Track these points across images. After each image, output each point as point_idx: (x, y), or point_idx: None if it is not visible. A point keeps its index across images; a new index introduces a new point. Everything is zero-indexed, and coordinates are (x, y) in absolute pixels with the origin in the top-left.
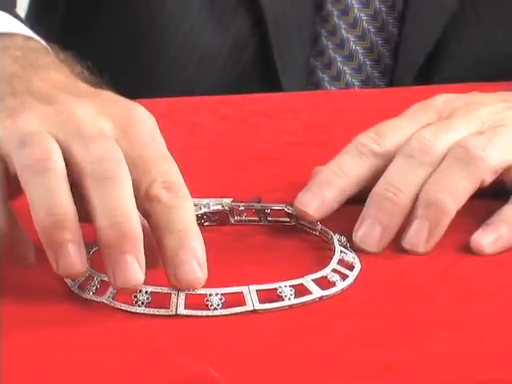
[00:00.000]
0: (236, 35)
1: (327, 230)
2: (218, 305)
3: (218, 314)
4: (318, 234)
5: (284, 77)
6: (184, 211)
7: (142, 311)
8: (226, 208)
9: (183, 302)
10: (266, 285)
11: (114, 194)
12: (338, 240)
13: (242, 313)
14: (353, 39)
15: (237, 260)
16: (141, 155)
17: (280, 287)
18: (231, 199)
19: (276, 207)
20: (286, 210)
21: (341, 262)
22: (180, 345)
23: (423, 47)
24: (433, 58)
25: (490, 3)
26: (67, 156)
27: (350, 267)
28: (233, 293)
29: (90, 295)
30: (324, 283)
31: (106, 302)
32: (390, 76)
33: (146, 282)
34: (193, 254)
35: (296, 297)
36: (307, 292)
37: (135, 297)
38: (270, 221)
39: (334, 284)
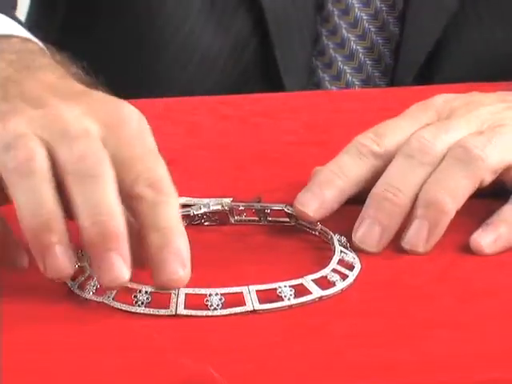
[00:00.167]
0: (237, 35)
1: (327, 230)
2: (217, 305)
3: (218, 314)
4: (317, 234)
5: (286, 76)
6: (168, 208)
7: (141, 311)
8: (226, 208)
9: (183, 302)
10: (266, 285)
11: (97, 192)
12: (338, 240)
13: (241, 313)
14: (353, 39)
15: (237, 260)
16: (127, 153)
17: (280, 287)
18: (231, 199)
19: (276, 207)
20: (285, 210)
21: (341, 262)
22: (180, 345)
23: (424, 47)
24: (433, 58)
25: (490, 3)
26: (52, 157)
27: (350, 267)
28: (232, 293)
29: (89, 295)
30: (324, 283)
31: (106, 302)
32: (390, 76)
33: (141, 281)
34: (176, 253)
35: (296, 297)
36: (307, 292)
37: (135, 297)
38: (270, 221)
39: (333, 284)
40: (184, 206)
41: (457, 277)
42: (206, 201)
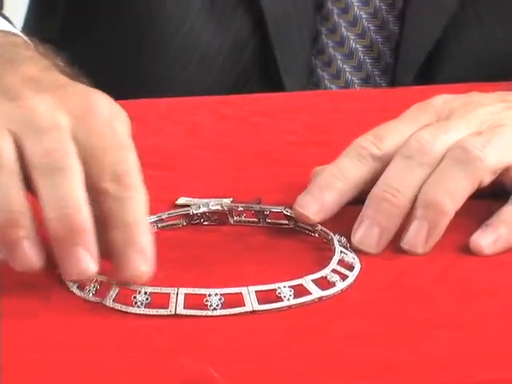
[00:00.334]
0: (236, 35)
1: (327, 230)
2: (217, 305)
3: (218, 314)
4: (317, 235)
5: (285, 76)
6: (133, 203)
7: (141, 312)
8: (226, 208)
9: (182, 302)
10: (265, 285)
11: (63, 186)
12: (338, 240)
13: (241, 313)
14: (353, 37)
15: (236, 260)
16: (95, 146)
17: (279, 288)
18: (231, 199)
19: (275, 209)
20: (284, 212)
21: (341, 262)
22: (180, 345)
23: (423, 46)
24: (433, 58)
25: (490, 3)
26: (20, 150)
27: (350, 267)
28: (232, 293)
29: (90, 296)
30: (324, 283)
31: (106, 303)
32: (390, 75)
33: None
34: (138, 249)
35: (295, 297)
36: (307, 292)
37: (134, 297)
38: (269, 223)
39: (333, 284)
40: (184, 205)
41: (456, 277)
42: (205, 201)
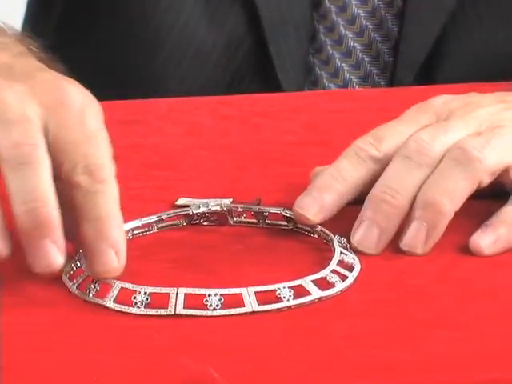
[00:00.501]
0: (231, 32)
1: (327, 231)
2: (217, 305)
3: (217, 314)
4: (316, 236)
5: (282, 74)
6: (104, 197)
7: (141, 312)
8: (225, 209)
9: (182, 302)
10: (265, 286)
11: (31, 179)
12: (338, 241)
13: (240, 314)
14: (351, 36)
15: (236, 261)
16: (66, 138)
17: (279, 288)
18: (231, 200)
19: (274, 211)
20: (283, 213)
21: (340, 262)
22: (180, 345)
23: (423, 46)
24: (433, 58)
25: (490, 3)
26: None
27: (350, 268)
28: (232, 294)
29: (90, 297)
30: (323, 284)
31: (106, 303)
32: (389, 73)
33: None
34: (110, 244)
35: (295, 298)
36: (306, 293)
37: (134, 298)
38: (268, 224)
39: (333, 285)
40: (184, 206)
41: (456, 277)
42: (205, 201)
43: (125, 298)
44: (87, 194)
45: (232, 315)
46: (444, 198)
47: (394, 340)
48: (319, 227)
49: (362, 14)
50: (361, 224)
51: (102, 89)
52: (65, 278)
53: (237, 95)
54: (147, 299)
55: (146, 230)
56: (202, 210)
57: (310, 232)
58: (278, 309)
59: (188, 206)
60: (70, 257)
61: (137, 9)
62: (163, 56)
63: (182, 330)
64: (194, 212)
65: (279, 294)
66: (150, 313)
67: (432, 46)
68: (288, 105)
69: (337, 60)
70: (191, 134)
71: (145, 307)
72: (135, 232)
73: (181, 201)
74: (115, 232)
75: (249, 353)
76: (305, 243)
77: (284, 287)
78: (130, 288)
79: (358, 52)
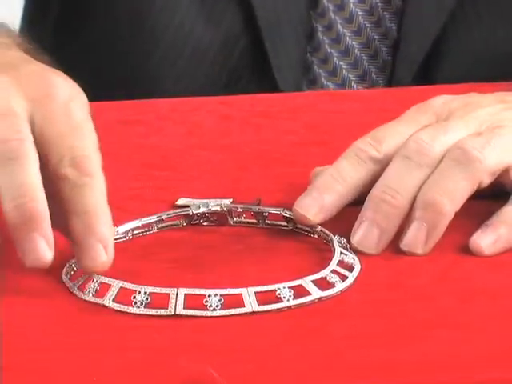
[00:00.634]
0: (227, 31)
1: (327, 231)
2: (216, 305)
3: (217, 314)
4: (316, 236)
5: (279, 73)
6: (91, 190)
7: (141, 312)
8: (225, 209)
9: (182, 302)
10: (265, 286)
11: (19, 175)
12: (338, 241)
13: (240, 314)
14: (349, 34)
15: (236, 261)
16: (52, 132)
17: (279, 288)
18: (231, 200)
19: (273, 211)
20: (283, 214)
21: (340, 263)
22: (179, 345)
23: (422, 45)
24: (432, 57)
25: (489, 2)
26: None
27: (350, 268)
28: (232, 294)
29: (89, 297)
30: (323, 284)
31: (106, 303)
32: (388, 72)
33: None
34: (98, 238)
35: (295, 298)
36: (306, 293)
37: (134, 297)
38: (268, 224)
39: (333, 285)
40: (184, 206)
41: (456, 277)
42: (205, 201)
43: (124, 297)
44: (74, 187)
45: (232, 315)
46: (444, 199)
47: (394, 340)
48: (319, 227)
49: (360, 13)
50: (361, 224)
51: (98, 89)
52: (65, 279)
53: (237, 95)
54: (147, 299)
55: (146, 230)
56: (202, 210)
57: (309, 232)
58: (278, 309)
59: (188, 206)
60: (70, 258)
61: (131, 9)
62: (159, 56)
63: (181, 330)
64: (194, 212)
65: (279, 294)
66: (150, 313)
67: (431, 45)
68: (288, 105)
69: (335, 59)
70: (192, 134)
71: (145, 307)
72: (135, 232)
73: (181, 201)
74: (103, 226)
75: (249, 353)
76: (305, 243)
77: (284, 287)
78: (130, 288)
79: (355, 51)
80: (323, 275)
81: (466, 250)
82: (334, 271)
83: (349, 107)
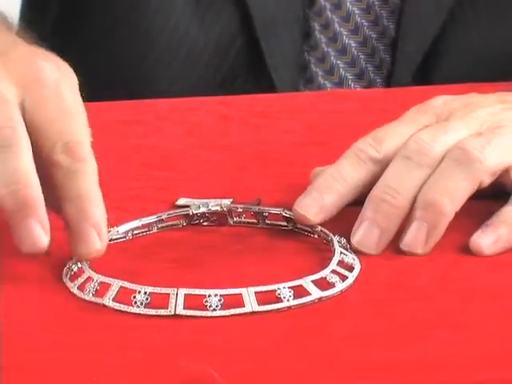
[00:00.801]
0: (223, 32)
1: (327, 231)
2: (216, 306)
3: (217, 314)
4: (316, 236)
5: (275, 73)
6: (84, 176)
7: (141, 312)
8: (225, 209)
9: (182, 302)
10: (265, 286)
11: (11, 162)
12: (338, 241)
13: (240, 314)
14: (346, 33)
15: (236, 261)
16: (42, 116)
17: (279, 288)
18: (231, 200)
19: (273, 211)
20: (283, 214)
21: (340, 263)
22: (179, 345)
23: (421, 44)
24: (431, 57)
25: (488, 1)
26: None
27: (350, 268)
28: (232, 294)
29: (89, 296)
30: (323, 284)
31: (106, 303)
32: (385, 71)
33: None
34: (92, 224)
35: (295, 298)
36: (306, 293)
37: (134, 297)
38: (268, 224)
39: (333, 285)
40: (184, 206)
41: (457, 277)
42: (205, 201)
43: (124, 297)
44: (67, 173)
45: (232, 315)
46: (444, 199)
47: (394, 340)
48: (319, 227)
49: (357, 12)
50: (361, 224)
51: (96, 90)
52: (66, 279)
53: (236, 95)
54: (147, 299)
55: (146, 230)
56: (202, 210)
57: (309, 232)
58: (278, 309)
59: (188, 206)
60: (70, 258)
61: (127, 11)
62: (153, 58)
63: (181, 330)
64: (194, 212)
65: (279, 294)
66: (150, 313)
67: (430, 45)
68: (288, 105)
69: (332, 57)
70: (191, 134)
71: (144, 307)
72: (135, 232)
73: (181, 201)
74: (97, 211)
75: (249, 353)
76: (305, 243)
77: (284, 287)
78: (130, 287)
79: (353, 49)
80: (323, 275)
81: (466, 249)
82: (334, 271)
83: (348, 107)
